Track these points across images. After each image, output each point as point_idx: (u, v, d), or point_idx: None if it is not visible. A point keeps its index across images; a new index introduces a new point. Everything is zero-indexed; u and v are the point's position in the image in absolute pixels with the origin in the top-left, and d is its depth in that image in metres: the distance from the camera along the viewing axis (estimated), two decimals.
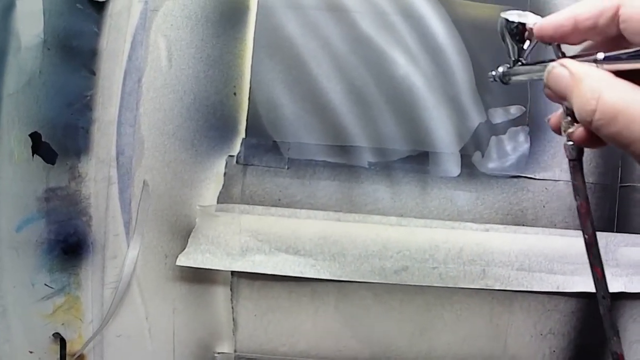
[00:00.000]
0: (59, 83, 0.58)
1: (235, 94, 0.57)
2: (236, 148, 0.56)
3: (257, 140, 0.56)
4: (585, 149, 0.32)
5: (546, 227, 0.58)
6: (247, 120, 0.56)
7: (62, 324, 0.59)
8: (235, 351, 0.57)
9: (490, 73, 0.36)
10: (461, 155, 0.57)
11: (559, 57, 0.31)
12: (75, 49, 0.59)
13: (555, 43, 0.32)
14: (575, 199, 0.32)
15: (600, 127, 0.27)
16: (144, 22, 0.58)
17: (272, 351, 0.57)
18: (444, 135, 0.57)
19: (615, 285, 0.58)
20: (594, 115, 0.27)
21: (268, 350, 0.57)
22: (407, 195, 0.57)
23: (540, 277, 0.57)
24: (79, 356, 0.59)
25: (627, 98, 0.26)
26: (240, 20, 0.57)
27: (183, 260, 0.55)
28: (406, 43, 0.57)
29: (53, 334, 0.59)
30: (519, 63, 0.34)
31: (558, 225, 0.58)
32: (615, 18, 0.28)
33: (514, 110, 0.58)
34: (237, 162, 0.56)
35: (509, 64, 0.35)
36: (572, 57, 0.30)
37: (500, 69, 0.35)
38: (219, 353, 0.58)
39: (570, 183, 0.58)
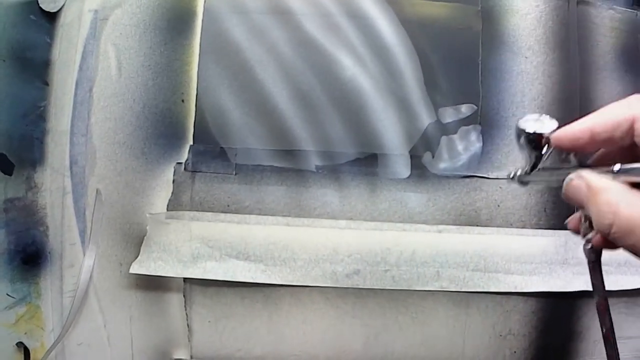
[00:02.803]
0: (14, 94, 0.59)
1: (183, 100, 0.57)
2: (185, 155, 0.56)
3: (204, 147, 0.56)
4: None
5: (501, 226, 0.57)
6: (194, 127, 0.56)
7: (25, 333, 0.60)
8: (191, 357, 0.57)
9: (508, 175, 0.37)
10: (411, 157, 0.56)
11: (576, 165, 0.32)
12: (28, 60, 0.59)
13: (572, 152, 0.33)
14: (595, 298, 0.34)
15: (618, 239, 0.29)
16: (94, 32, 0.58)
17: (228, 357, 0.57)
18: (392, 137, 0.56)
19: (577, 284, 0.57)
20: (611, 229, 0.28)
21: (224, 356, 0.57)
22: (356, 198, 0.56)
23: (497, 278, 0.56)
24: None
25: None
26: (187, 27, 0.57)
27: (136, 268, 0.55)
28: (353, 44, 0.56)
29: (16, 343, 0.60)
30: (537, 169, 0.35)
31: (514, 225, 0.57)
32: (630, 131, 0.30)
33: (465, 109, 0.57)
34: (185, 169, 0.56)
35: (527, 169, 0.35)
36: (589, 166, 0.31)
37: (519, 172, 0.36)
38: (176, 359, 0.58)
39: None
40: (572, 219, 0.35)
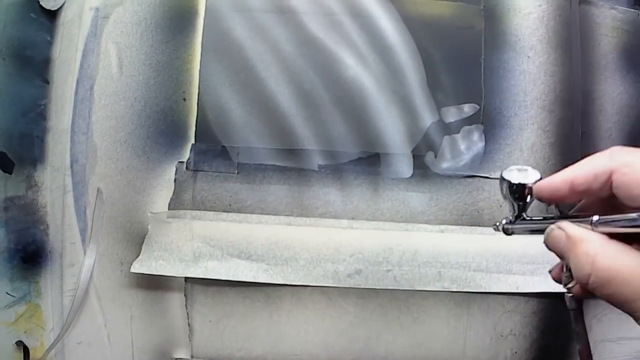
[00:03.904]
0: (14, 93, 0.59)
1: (185, 99, 0.56)
2: (186, 154, 0.56)
3: (206, 146, 0.56)
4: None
5: None
6: (196, 125, 0.56)
7: (25, 332, 0.59)
8: (192, 357, 0.57)
9: (495, 224, 0.38)
10: (413, 156, 0.56)
11: (558, 215, 0.33)
12: (29, 59, 0.59)
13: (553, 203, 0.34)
14: (577, 345, 0.34)
15: (596, 289, 0.29)
16: (95, 30, 0.58)
17: (228, 356, 0.57)
18: (395, 136, 0.56)
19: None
20: (590, 279, 0.29)
21: (224, 356, 0.57)
22: (358, 197, 0.56)
23: (498, 278, 0.56)
24: None
25: (619, 262, 0.28)
26: (189, 25, 0.57)
27: (137, 267, 0.55)
28: (355, 43, 0.56)
29: (16, 342, 0.59)
30: (521, 218, 0.36)
31: None
32: (608, 183, 0.30)
33: (468, 109, 0.57)
34: (186, 168, 0.56)
35: (511, 218, 0.36)
36: (569, 217, 0.32)
37: (504, 222, 0.37)
38: (176, 359, 0.58)
39: None
40: (555, 268, 0.36)
